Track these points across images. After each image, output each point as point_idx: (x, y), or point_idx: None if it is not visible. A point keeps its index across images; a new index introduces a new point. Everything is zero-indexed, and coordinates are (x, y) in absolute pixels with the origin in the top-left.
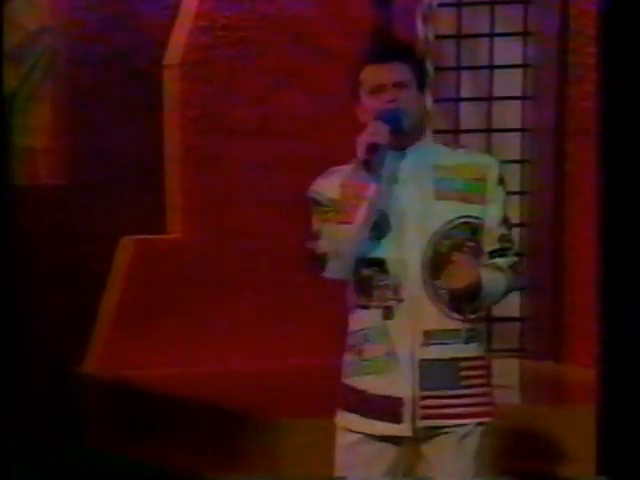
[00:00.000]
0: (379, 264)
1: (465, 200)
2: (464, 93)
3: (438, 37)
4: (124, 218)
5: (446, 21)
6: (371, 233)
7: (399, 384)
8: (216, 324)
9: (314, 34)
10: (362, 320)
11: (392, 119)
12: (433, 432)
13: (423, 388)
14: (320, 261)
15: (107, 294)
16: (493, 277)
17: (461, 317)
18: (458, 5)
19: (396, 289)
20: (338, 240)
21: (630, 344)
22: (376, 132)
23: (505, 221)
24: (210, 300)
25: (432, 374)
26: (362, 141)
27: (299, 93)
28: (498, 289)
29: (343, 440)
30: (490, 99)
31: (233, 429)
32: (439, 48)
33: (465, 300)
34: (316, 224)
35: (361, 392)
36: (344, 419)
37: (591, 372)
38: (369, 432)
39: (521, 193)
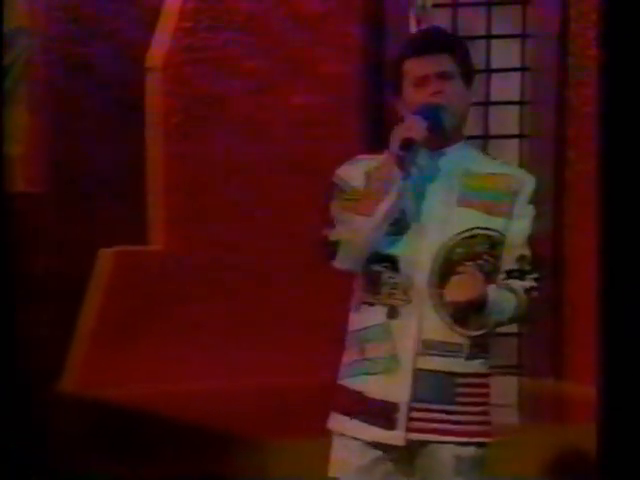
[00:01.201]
0: (391, 261)
1: (489, 211)
2: None
3: None
4: (103, 228)
5: (441, 22)
6: (389, 229)
7: (397, 388)
8: (200, 339)
9: (300, 37)
10: (365, 318)
11: (432, 115)
12: (425, 446)
13: (415, 398)
14: (332, 249)
15: (85, 309)
16: (502, 297)
17: (463, 331)
18: (453, 5)
19: (405, 289)
20: (353, 230)
21: (631, 359)
22: (413, 127)
23: (529, 242)
24: (194, 314)
25: (425, 385)
26: (397, 135)
27: (288, 98)
28: (505, 310)
29: (336, 444)
30: (487, 104)
31: (219, 450)
32: None
33: (467, 315)
34: (335, 211)
35: (357, 393)
36: (337, 422)
37: (594, 390)
38: (361, 437)
39: None
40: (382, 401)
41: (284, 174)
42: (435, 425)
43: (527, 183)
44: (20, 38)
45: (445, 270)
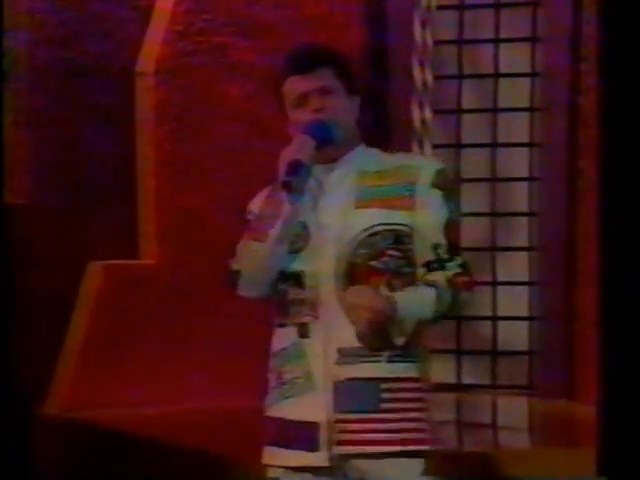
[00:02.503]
0: (295, 278)
1: (389, 206)
2: (466, 104)
3: (438, 42)
4: (92, 241)
5: (446, 25)
6: (290, 247)
7: (314, 407)
8: (194, 357)
9: (300, 39)
10: (280, 340)
11: (319, 132)
12: (352, 463)
13: (337, 410)
14: (232, 278)
15: (72, 325)
16: (416, 297)
17: (379, 352)
18: (460, 8)
19: (312, 304)
20: (249, 257)
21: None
22: (300, 148)
23: (444, 228)
24: (187, 331)
25: (347, 395)
26: (284, 158)
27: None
28: (425, 308)
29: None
30: (495, 110)
31: (214, 472)
32: (439, 55)
33: (374, 336)
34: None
35: (279, 420)
36: (265, 454)
37: None
38: (288, 464)
39: (529, 215)
40: (301, 422)
41: None
42: (363, 436)
43: (425, 169)
44: (4, 40)
45: (351, 274)
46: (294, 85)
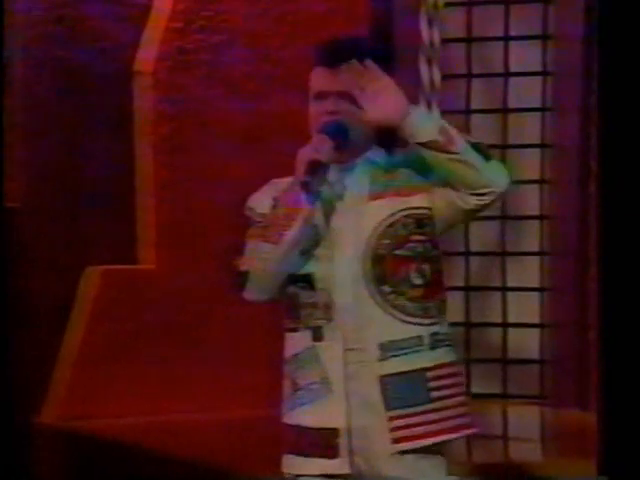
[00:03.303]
0: (307, 280)
1: (404, 194)
2: (475, 104)
3: (446, 41)
4: (89, 246)
5: (455, 22)
6: (301, 250)
7: (333, 413)
8: (196, 365)
9: (305, 36)
10: (293, 345)
11: (336, 132)
12: (377, 466)
13: (388, 408)
14: (240, 279)
15: (69, 333)
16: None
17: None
18: (468, 4)
19: (326, 307)
20: (261, 259)
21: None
22: (319, 148)
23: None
24: (187, 339)
25: (396, 391)
26: (303, 158)
27: (288, 103)
28: (458, 146)
29: None
30: (505, 111)
31: None
32: (447, 53)
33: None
34: (246, 241)
35: (295, 427)
36: (286, 463)
37: None
38: (309, 472)
39: (540, 218)
40: (320, 429)
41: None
42: (418, 429)
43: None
44: None
45: (378, 267)
46: (317, 79)
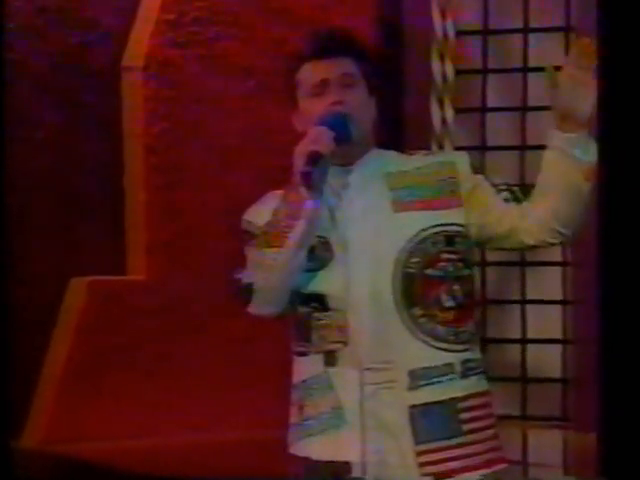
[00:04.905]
0: (317, 300)
1: (434, 206)
2: (491, 102)
3: (460, 33)
4: (74, 255)
5: (470, 13)
6: (309, 264)
7: (346, 445)
8: (188, 383)
9: (304, 30)
10: (302, 370)
11: (338, 124)
12: None
13: (418, 442)
14: (244, 293)
15: (52, 348)
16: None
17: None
18: None
19: (340, 329)
20: (265, 267)
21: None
22: (318, 139)
23: (500, 188)
24: (177, 354)
25: (426, 423)
26: (301, 151)
27: (287, 101)
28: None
29: None
30: (524, 109)
31: None
32: (461, 46)
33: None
34: (247, 255)
35: (304, 460)
36: None
37: None
38: None
39: None
40: (331, 462)
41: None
42: (449, 465)
43: (459, 160)
44: None
45: (409, 287)
46: (313, 71)
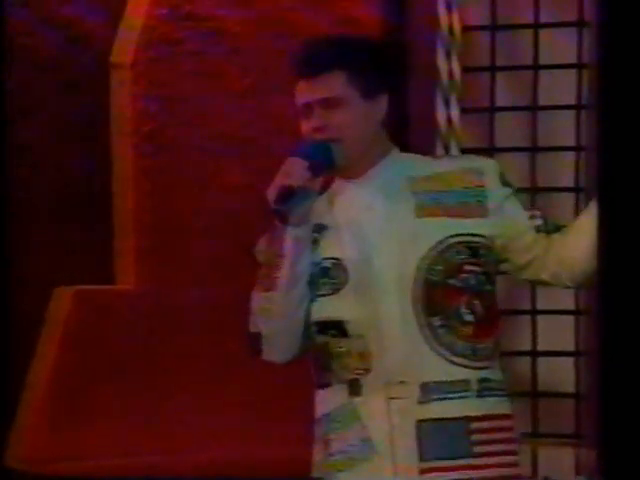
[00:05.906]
0: (335, 326)
1: (457, 215)
2: (500, 100)
3: (467, 28)
4: (59, 263)
5: (478, 7)
6: (323, 289)
7: (378, 477)
8: (182, 399)
9: (308, 24)
10: (325, 403)
11: (317, 153)
12: None
13: (422, 459)
14: (253, 342)
15: (36, 361)
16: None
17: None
18: None
19: (362, 356)
20: (262, 314)
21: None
22: (291, 172)
23: (533, 215)
24: (169, 369)
25: (432, 440)
26: (272, 186)
27: (288, 100)
28: None
29: None
30: (535, 108)
31: None
32: (469, 42)
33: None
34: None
35: None
36: None
37: None
38: None
39: None
40: None
41: None
42: None
43: (487, 168)
44: None
45: (430, 295)
46: (298, 92)
